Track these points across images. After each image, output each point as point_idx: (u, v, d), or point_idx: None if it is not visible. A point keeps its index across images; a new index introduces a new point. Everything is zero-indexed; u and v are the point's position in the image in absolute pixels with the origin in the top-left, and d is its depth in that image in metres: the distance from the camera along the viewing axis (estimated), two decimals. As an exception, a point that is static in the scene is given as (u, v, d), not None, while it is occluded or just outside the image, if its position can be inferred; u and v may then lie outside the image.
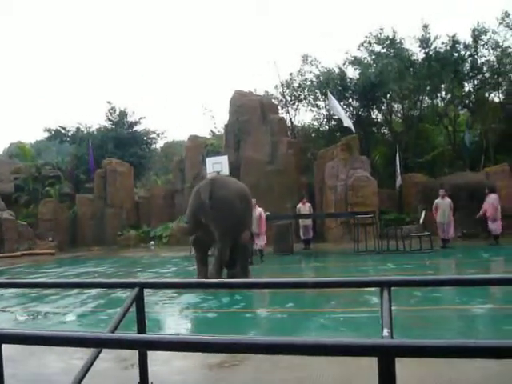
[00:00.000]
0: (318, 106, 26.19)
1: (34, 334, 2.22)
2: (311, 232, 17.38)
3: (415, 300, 7.46)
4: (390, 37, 23.74)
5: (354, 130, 19.83)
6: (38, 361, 4.38)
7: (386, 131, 26.47)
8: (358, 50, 24.78)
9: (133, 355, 4.05)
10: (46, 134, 30.82)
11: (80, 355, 4.13)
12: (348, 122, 19.69)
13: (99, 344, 2.25)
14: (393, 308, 2.31)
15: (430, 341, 1.60)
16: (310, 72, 25.79)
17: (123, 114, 31.27)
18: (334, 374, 3.83)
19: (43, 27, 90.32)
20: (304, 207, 17.21)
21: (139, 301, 3.15)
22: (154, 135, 32.82)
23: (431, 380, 3.78)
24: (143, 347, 2.55)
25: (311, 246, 17.18)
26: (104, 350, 2.73)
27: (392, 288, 2.39)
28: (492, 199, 14.76)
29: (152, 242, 22.41)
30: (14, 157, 33.08)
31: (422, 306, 7.17)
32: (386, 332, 2.15)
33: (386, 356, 1.72)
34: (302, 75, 26.05)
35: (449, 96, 23.93)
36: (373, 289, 6.47)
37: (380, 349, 1.72)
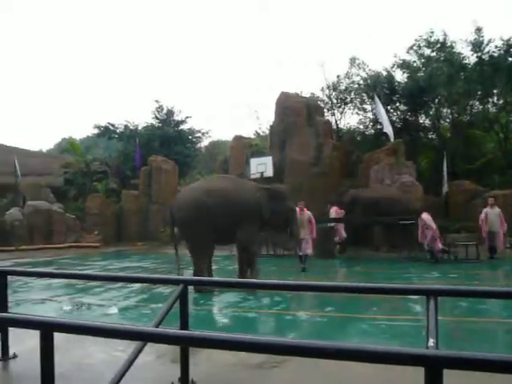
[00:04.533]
0: (364, 110, 25.87)
1: (83, 325, 2.28)
2: (344, 235, 16.91)
3: (460, 310, 7.26)
4: (441, 40, 23.24)
5: (392, 139, 19.51)
6: (81, 351, 4.50)
7: (433, 136, 25.86)
8: (407, 53, 24.37)
9: (172, 350, 4.10)
10: (96, 131, 31.73)
11: (122, 347, 4.22)
12: (389, 129, 19.39)
13: (145, 338, 2.29)
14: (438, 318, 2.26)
15: (482, 353, 1.56)
16: (358, 75, 25.58)
17: (170, 113, 31.82)
18: (378, 380, 3.75)
19: (94, 26, 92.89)
20: (331, 211, 16.91)
21: (183, 297, 3.20)
22: (199, 134, 33.28)
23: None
24: (187, 343, 2.59)
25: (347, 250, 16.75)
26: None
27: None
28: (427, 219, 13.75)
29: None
30: (64, 152, 34.17)
31: (468, 317, 6.96)
32: (431, 342, 2.10)
33: (434, 367, 1.68)
34: (349, 78, 25.86)
35: (501, 102, 23.18)
36: (416, 297, 6.35)
37: (428, 359, 1.68)
